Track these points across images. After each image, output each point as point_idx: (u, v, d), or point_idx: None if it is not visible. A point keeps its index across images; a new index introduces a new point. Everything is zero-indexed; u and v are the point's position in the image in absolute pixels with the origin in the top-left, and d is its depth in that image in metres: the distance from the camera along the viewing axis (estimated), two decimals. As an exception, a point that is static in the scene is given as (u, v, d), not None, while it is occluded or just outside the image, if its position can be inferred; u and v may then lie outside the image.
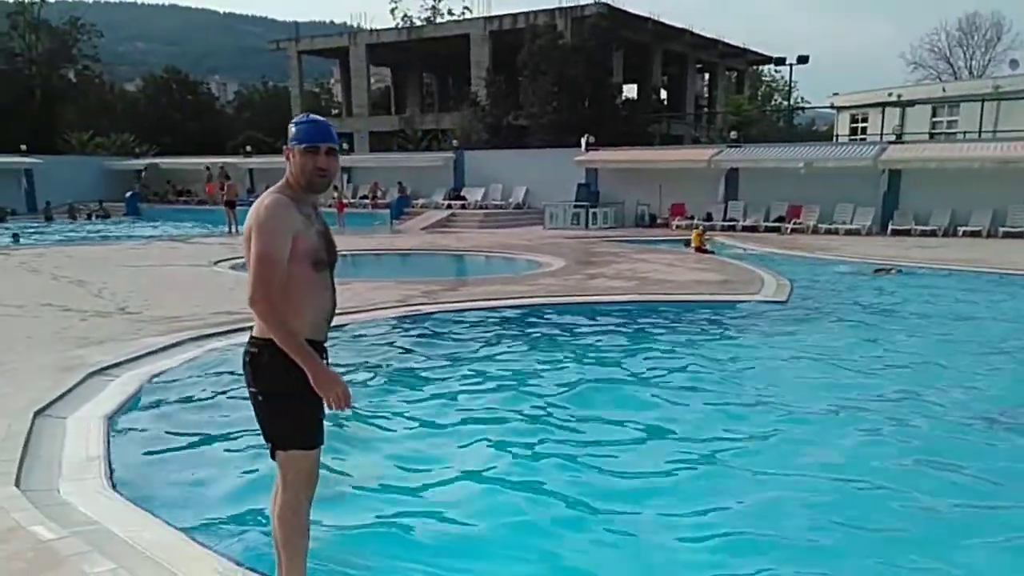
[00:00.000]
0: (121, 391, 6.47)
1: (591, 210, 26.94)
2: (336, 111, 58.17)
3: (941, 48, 57.92)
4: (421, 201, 31.23)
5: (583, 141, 28.70)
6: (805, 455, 5.45)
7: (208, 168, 35.67)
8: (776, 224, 24.70)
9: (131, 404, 6.27)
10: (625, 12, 39.46)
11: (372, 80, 53.80)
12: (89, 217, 33.96)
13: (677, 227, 25.19)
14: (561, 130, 32.85)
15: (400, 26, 51.74)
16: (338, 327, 8.52)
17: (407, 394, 6.93)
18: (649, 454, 5.51)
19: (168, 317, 9.60)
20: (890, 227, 23.05)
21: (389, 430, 5.98)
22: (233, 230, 23.76)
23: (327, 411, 3.06)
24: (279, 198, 2.97)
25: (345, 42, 49.66)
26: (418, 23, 52.86)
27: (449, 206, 30.25)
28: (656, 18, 41.48)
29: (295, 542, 3.15)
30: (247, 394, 3.09)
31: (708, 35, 46.61)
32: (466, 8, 53.54)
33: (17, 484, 4.53)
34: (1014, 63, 42.24)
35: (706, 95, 55.93)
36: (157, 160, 40.72)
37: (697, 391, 7.04)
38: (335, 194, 27.87)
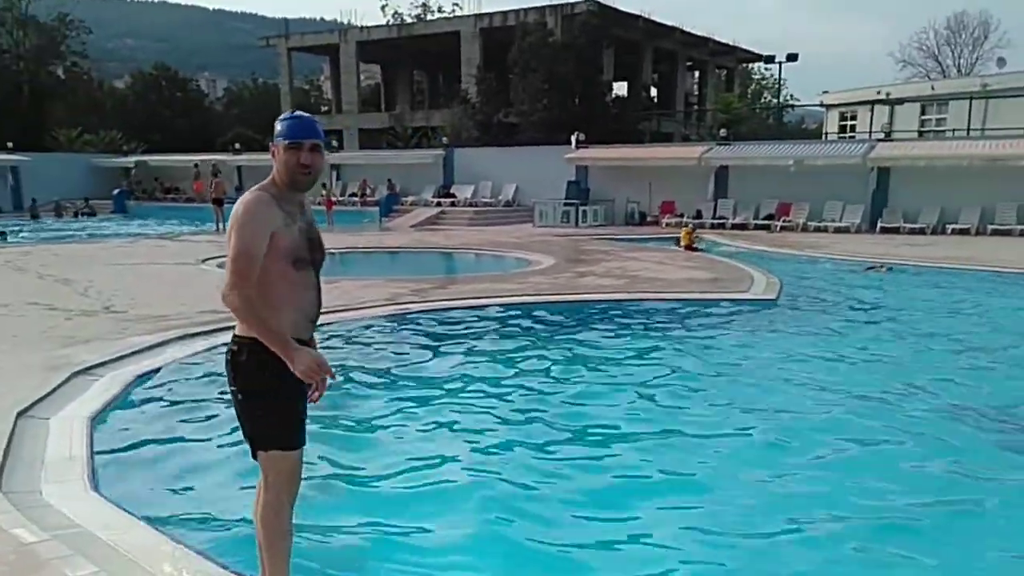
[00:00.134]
0: (105, 391, 6.40)
1: (581, 208, 26.95)
2: (326, 108, 58.00)
3: (930, 46, 58.37)
4: (410, 198, 31.19)
5: (573, 139, 28.68)
6: (792, 453, 5.45)
7: (196, 166, 35.49)
8: (766, 222, 24.74)
9: (115, 404, 6.19)
10: (615, 10, 39.50)
11: (362, 77, 53.68)
12: (76, 215, 33.77)
13: (667, 225, 25.21)
14: (551, 128, 32.83)
15: (391, 23, 51.70)
16: (326, 325, 8.50)
17: (395, 393, 6.88)
18: (639, 453, 5.49)
19: (154, 316, 9.52)
20: (879, 225, 23.15)
21: (378, 428, 5.94)
22: (220, 228, 23.61)
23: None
24: (259, 195, 2.96)
25: (335, 39, 49.52)
26: (409, 20, 52.88)
27: (439, 204, 30.21)
28: (646, 16, 41.55)
29: (277, 544, 3.12)
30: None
31: (698, 33, 46.74)
32: (456, 5, 53.66)
33: (-2, 486, 4.47)
34: (1001, 61, 42.54)
35: (696, 93, 56.08)
36: (146, 157, 40.53)
37: (687, 389, 7.02)
38: (324, 191, 27.78)
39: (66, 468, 4.82)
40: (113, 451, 5.28)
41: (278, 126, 3.03)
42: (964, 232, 21.85)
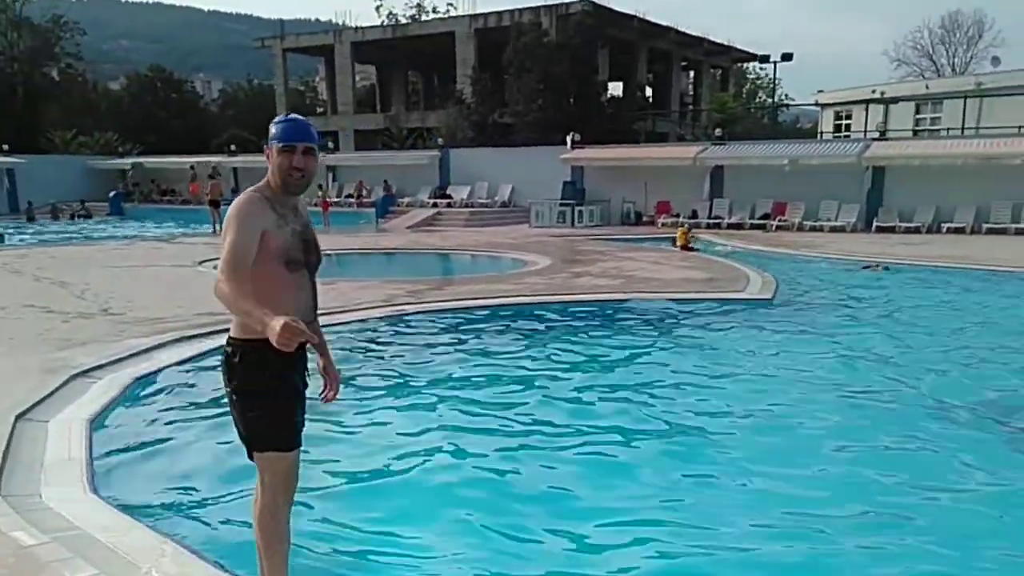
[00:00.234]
0: (104, 393, 6.40)
1: (577, 208, 26.98)
2: (321, 109, 58.01)
3: (924, 45, 58.45)
4: (406, 200, 31.17)
5: (568, 139, 28.72)
6: (788, 451, 5.48)
7: (193, 167, 35.45)
8: (761, 221, 24.80)
9: (113, 406, 6.20)
10: (610, 10, 39.56)
11: (357, 78, 53.67)
12: (72, 217, 33.67)
13: (663, 225, 25.25)
14: (546, 128, 32.85)
15: (385, 24, 51.60)
16: (322, 327, 8.50)
17: (392, 394, 6.90)
18: (633, 452, 5.52)
19: (151, 318, 9.52)
20: (875, 224, 23.20)
21: (373, 426, 5.96)
22: (217, 230, 23.55)
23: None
24: (251, 195, 2.99)
25: (330, 40, 49.50)
26: (403, 21, 52.78)
27: (435, 204, 30.20)
28: (641, 16, 41.64)
29: (274, 547, 3.13)
30: (228, 395, 3.08)
31: (693, 33, 46.85)
32: (451, 6, 53.54)
33: (-3, 489, 4.48)
34: (995, 60, 42.70)
35: (691, 93, 56.16)
36: (142, 159, 40.46)
37: (683, 388, 7.05)
38: (320, 193, 27.77)
39: (65, 470, 4.82)
40: (112, 453, 5.29)
41: (272, 129, 3.06)
42: (959, 231, 21.93)
